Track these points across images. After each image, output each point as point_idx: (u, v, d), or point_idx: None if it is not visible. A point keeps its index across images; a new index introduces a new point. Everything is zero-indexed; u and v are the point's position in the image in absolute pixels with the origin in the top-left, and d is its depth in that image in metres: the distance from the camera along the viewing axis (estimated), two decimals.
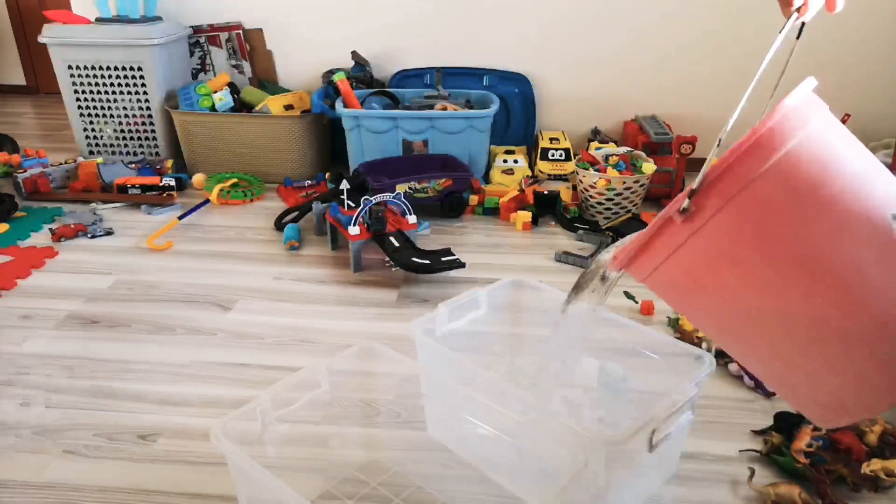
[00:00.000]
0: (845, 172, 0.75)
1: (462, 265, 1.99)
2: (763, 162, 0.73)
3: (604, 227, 2.31)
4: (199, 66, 3.10)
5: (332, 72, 2.80)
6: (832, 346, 0.76)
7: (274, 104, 2.73)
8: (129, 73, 2.77)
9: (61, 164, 2.72)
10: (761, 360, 0.84)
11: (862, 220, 0.74)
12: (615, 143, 2.82)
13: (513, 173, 2.71)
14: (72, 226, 2.30)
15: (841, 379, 0.77)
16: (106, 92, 2.82)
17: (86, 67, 2.78)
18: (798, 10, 0.81)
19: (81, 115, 2.87)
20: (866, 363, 0.75)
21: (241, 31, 3.03)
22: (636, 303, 1.89)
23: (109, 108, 2.85)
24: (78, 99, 2.84)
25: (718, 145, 0.75)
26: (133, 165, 2.73)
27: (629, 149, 2.51)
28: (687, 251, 0.78)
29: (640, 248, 0.83)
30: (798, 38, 0.85)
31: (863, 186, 0.75)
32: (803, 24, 0.84)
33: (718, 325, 0.85)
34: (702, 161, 2.85)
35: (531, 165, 2.81)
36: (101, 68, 2.77)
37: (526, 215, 2.38)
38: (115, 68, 2.77)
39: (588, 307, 1.02)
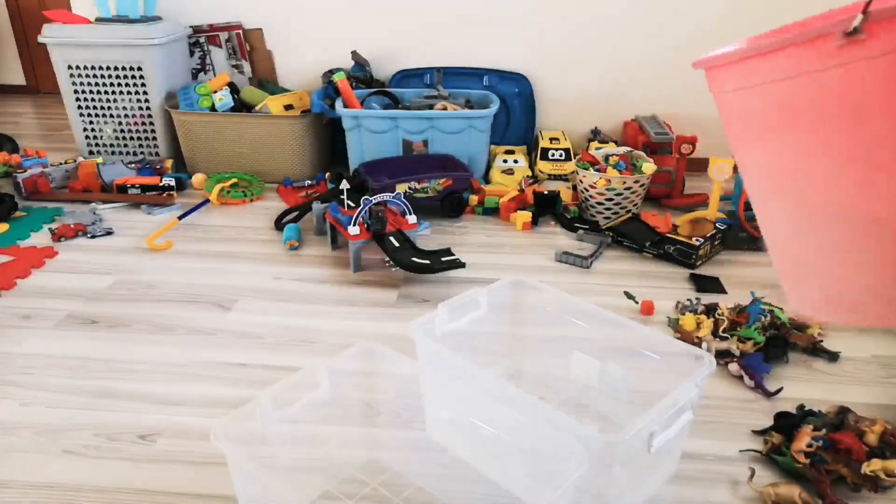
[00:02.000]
0: None
1: (462, 265, 1.99)
2: None
3: (604, 227, 2.31)
4: (198, 66, 3.09)
5: (332, 72, 2.80)
6: None
7: (274, 104, 2.73)
8: (129, 73, 2.77)
9: (61, 164, 2.72)
10: (797, 233, 0.69)
11: None
12: (615, 143, 2.83)
13: (513, 173, 2.71)
14: (72, 226, 2.30)
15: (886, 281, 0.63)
16: (106, 92, 2.82)
17: (86, 67, 2.78)
18: None
19: (81, 115, 2.87)
20: None
21: (240, 31, 3.03)
22: (636, 303, 1.89)
23: (109, 107, 2.85)
24: (78, 99, 2.84)
25: None
26: (133, 165, 2.73)
27: (629, 149, 2.51)
28: (816, 83, 0.58)
29: (754, 52, 0.62)
30: None
31: None
32: None
33: (775, 181, 0.67)
34: (703, 161, 2.85)
35: (531, 165, 2.81)
36: (100, 68, 2.77)
37: (526, 215, 2.38)
38: (115, 68, 2.77)
39: None
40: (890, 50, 0.55)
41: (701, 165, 2.87)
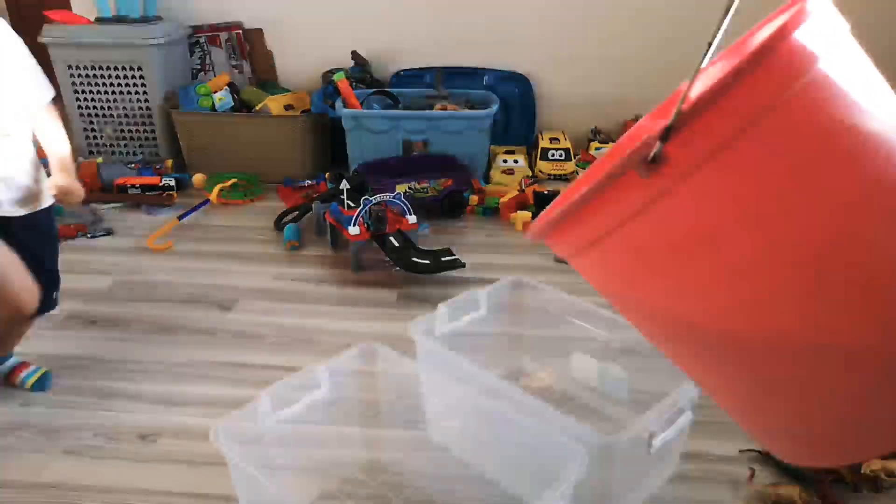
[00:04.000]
0: (886, 117, 0.54)
1: (462, 265, 1.99)
2: (787, 82, 0.49)
3: None
4: (198, 66, 3.09)
5: (332, 72, 2.80)
6: (866, 373, 0.55)
7: (274, 104, 2.73)
8: (129, 73, 2.77)
9: None
10: (725, 376, 0.63)
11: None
12: (615, 143, 2.82)
13: (513, 173, 2.71)
14: (72, 226, 2.29)
15: (850, 411, 0.57)
16: (106, 92, 2.82)
17: (86, 67, 2.78)
18: None
19: (81, 114, 2.87)
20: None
21: (240, 31, 3.03)
22: None
23: (109, 107, 2.85)
24: (78, 99, 2.84)
25: (694, 78, 0.53)
26: (133, 165, 2.73)
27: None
28: (647, 222, 0.53)
29: (571, 212, 0.56)
30: None
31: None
32: None
33: (671, 330, 0.62)
34: None
35: (531, 165, 2.81)
36: (100, 68, 2.77)
37: (526, 215, 2.38)
38: (115, 68, 2.76)
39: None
40: (689, 173, 0.51)
41: None
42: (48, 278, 1.47)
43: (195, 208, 2.49)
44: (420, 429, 1.38)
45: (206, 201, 2.57)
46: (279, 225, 2.37)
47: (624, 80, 2.93)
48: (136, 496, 1.25)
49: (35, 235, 1.45)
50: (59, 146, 1.42)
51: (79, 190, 1.43)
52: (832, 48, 0.52)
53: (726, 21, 0.59)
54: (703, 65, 0.57)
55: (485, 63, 2.97)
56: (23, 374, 1.54)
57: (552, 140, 2.81)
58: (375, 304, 1.90)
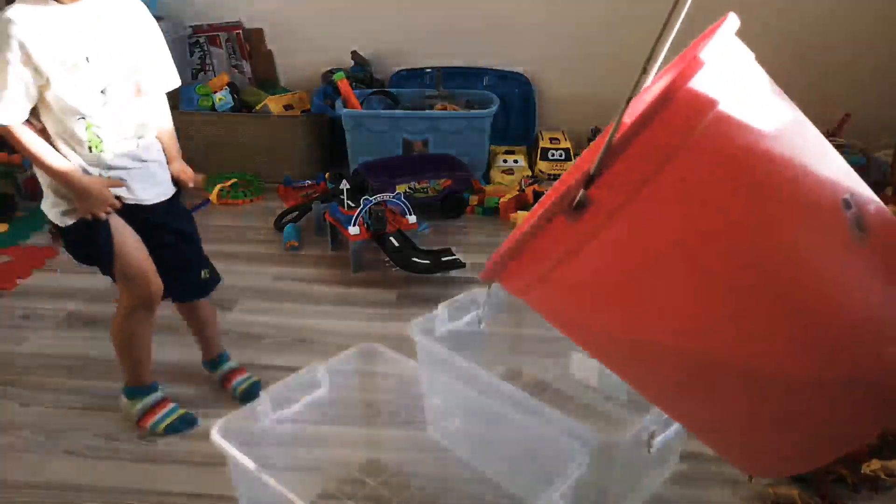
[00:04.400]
0: (789, 141, 0.58)
1: (462, 265, 1.99)
2: (687, 129, 0.53)
3: None
4: (198, 66, 3.09)
5: (331, 71, 2.80)
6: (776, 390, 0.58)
7: (274, 104, 2.73)
8: None
9: None
10: (677, 396, 0.66)
11: (811, 204, 0.56)
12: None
13: (513, 173, 2.71)
14: None
15: (782, 426, 0.61)
16: None
17: None
18: None
19: None
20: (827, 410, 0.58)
21: (240, 31, 3.03)
22: None
23: None
24: None
25: (618, 124, 0.54)
26: None
27: None
28: (582, 261, 0.56)
29: (515, 255, 0.60)
30: None
31: (811, 161, 0.58)
32: None
33: (622, 359, 0.65)
34: None
35: (531, 165, 2.81)
36: None
37: (526, 215, 2.38)
38: None
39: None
40: (610, 216, 0.54)
41: None
42: (204, 257, 1.51)
43: (195, 208, 2.49)
44: (420, 429, 1.38)
45: (207, 201, 2.57)
46: (279, 225, 2.37)
47: (624, 80, 2.90)
48: (135, 496, 1.25)
49: (186, 214, 1.51)
50: (173, 133, 1.45)
51: (193, 175, 1.48)
52: (734, 84, 0.57)
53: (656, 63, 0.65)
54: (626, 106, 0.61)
55: (485, 63, 2.97)
56: (234, 381, 1.53)
57: (552, 140, 2.81)
58: (375, 304, 1.90)
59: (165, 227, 1.40)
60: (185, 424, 1.42)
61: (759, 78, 0.62)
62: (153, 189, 1.37)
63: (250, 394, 1.47)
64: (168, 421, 1.41)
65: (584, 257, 0.56)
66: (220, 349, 1.57)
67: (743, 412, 0.61)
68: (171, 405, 1.44)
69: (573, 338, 0.67)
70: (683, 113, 0.53)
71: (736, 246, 0.55)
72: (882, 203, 0.63)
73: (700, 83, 0.54)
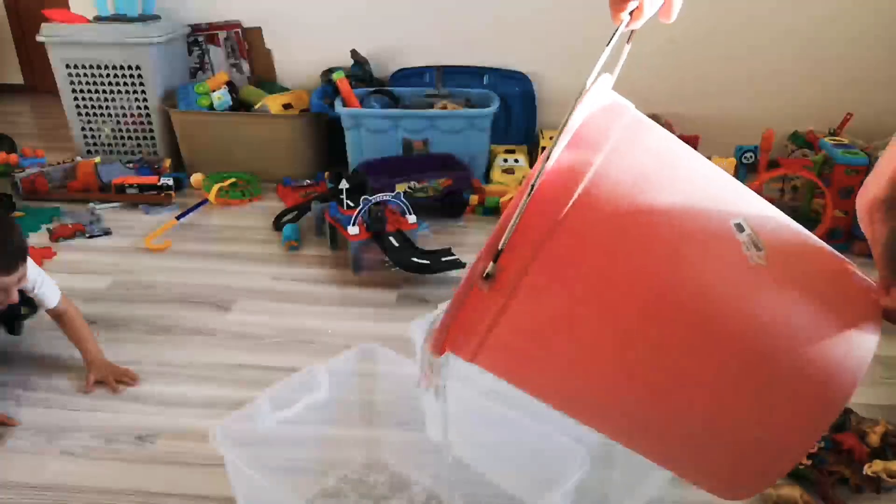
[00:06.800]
0: (670, 184, 0.63)
1: (462, 265, 1.98)
2: (562, 201, 0.60)
3: None
4: (197, 65, 3.09)
5: (331, 70, 2.79)
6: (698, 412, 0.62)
7: (272, 103, 2.72)
8: (128, 72, 2.76)
9: (59, 163, 2.70)
10: (629, 439, 0.71)
11: (702, 237, 0.61)
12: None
13: (513, 173, 2.70)
14: (70, 226, 2.29)
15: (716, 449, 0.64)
16: (104, 91, 2.81)
17: (84, 66, 2.77)
18: (631, 13, 0.73)
19: (79, 114, 2.86)
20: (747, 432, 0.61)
21: (239, 30, 3.02)
22: None
23: (107, 107, 2.84)
24: (76, 98, 2.83)
25: (530, 193, 0.60)
26: (131, 165, 2.72)
27: None
28: (503, 328, 0.62)
29: (451, 326, 0.65)
30: (628, 42, 0.75)
31: (695, 199, 0.63)
32: (632, 31, 0.74)
33: (573, 412, 0.70)
34: None
35: (531, 165, 2.80)
36: (99, 67, 2.76)
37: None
38: (114, 67, 2.75)
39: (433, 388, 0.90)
40: (517, 280, 0.59)
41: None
42: None
43: (194, 208, 2.48)
44: (420, 429, 1.37)
45: (205, 201, 2.56)
46: (278, 225, 2.36)
47: (624, 80, 2.92)
48: (133, 497, 1.25)
49: None
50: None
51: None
52: (598, 152, 0.65)
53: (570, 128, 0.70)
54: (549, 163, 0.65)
55: (485, 62, 2.96)
56: None
57: (553, 139, 2.80)
58: (375, 304, 1.90)
59: None
60: None
61: (632, 130, 0.68)
62: None
63: None
64: None
65: (504, 324, 0.61)
66: None
67: (690, 443, 0.65)
68: None
69: (527, 393, 0.71)
70: (549, 198, 0.60)
71: (636, 298, 0.59)
72: (785, 219, 0.65)
73: (559, 174, 0.62)
